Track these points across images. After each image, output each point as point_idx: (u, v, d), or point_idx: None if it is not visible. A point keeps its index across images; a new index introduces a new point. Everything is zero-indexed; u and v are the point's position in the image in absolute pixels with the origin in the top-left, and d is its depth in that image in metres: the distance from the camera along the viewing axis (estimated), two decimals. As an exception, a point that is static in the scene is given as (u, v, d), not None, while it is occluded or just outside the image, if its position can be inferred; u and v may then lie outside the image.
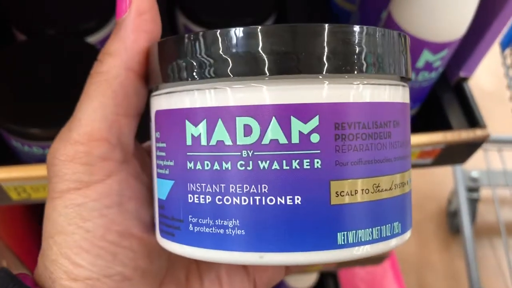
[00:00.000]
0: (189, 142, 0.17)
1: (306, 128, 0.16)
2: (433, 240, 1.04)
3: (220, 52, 0.16)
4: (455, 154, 0.39)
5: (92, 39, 0.39)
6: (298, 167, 0.16)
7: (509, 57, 0.66)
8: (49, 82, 0.35)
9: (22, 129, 0.33)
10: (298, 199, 0.16)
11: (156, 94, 0.19)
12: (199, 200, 0.17)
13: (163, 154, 0.18)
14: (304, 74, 0.16)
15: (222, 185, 0.17)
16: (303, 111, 0.16)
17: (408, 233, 0.19)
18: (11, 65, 0.36)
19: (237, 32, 0.16)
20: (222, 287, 0.22)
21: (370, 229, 0.17)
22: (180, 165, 0.18)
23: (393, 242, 0.18)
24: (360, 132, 0.17)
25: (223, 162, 0.17)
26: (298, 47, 0.16)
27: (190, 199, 0.17)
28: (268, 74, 0.16)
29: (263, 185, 0.16)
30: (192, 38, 0.17)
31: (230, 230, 0.17)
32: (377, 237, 0.17)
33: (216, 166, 0.17)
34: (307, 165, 0.16)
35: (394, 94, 0.18)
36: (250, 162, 0.16)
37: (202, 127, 0.17)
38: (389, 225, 0.18)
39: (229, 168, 0.17)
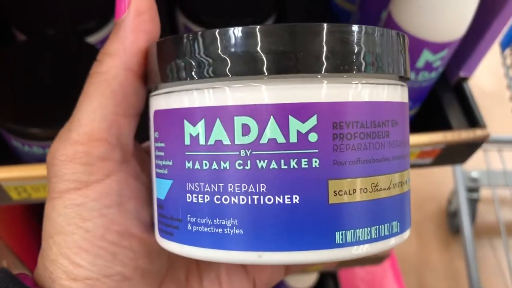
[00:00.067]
0: (187, 141, 0.17)
1: (304, 127, 0.16)
2: (433, 240, 1.04)
3: (219, 51, 0.16)
4: (455, 154, 0.39)
5: (92, 39, 0.39)
6: (296, 166, 0.16)
7: (509, 57, 0.66)
8: (49, 82, 0.35)
9: (22, 129, 0.33)
10: (296, 198, 0.16)
11: (155, 94, 0.19)
12: (197, 199, 0.17)
13: (162, 153, 0.18)
14: (302, 73, 0.16)
15: (221, 184, 0.17)
16: (301, 111, 0.16)
17: (407, 233, 0.19)
18: (11, 65, 0.36)
19: (235, 32, 0.16)
20: (222, 287, 0.22)
21: (369, 228, 0.17)
22: (178, 165, 0.18)
23: (392, 241, 0.18)
24: (358, 131, 0.17)
25: (221, 161, 0.17)
26: (296, 47, 0.16)
27: (189, 198, 0.17)
28: (266, 74, 0.16)
29: (261, 185, 0.16)
30: (190, 38, 0.17)
31: (228, 229, 0.17)
32: (375, 236, 0.17)
33: (215, 166, 0.17)
34: (305, 165, 0.16)
35: (392, 93, 0.18)
36: (248, 161, 0.16)
37: (200, 127, 0.17)
38: (388, 224, 0.18)
39: (227, 168, 0.17)
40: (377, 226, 0.17)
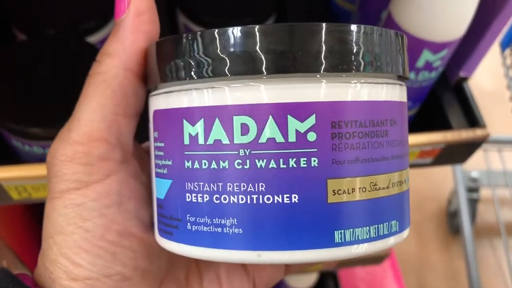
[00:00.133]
0: (186, 141, 0.17)
1: (303, 126, 0.16)
2: (433, 240, 1.04)
3: (218, 51, 0.16)
4: (455, 154, 0.39)
5: (92, 38, 0.39)
6: (295, 165, 0.16)
7: (509, 57, 0.66)
8: (49, 81, 0.35)
9: (22, 129, 0.33)
10: (295, 197, 0.16)
11: (154, 94, 0.19)
12: (197, 199, 0.17)
13: (161, 153, 0.18)
14: (301, 73, 0.16)
15: (220, 184, 0.17)
16: (300, 110, 0.16)
17: (406, 232, 0.19)
18: (11, 65, 0.36)
19: (234, 32, 0.16)
20: (222, 287, 0.22)
21: (368, 227, 0.17)
22: (178, 164, 0.18)
23: (391, 241, 0.18)
24: (357, 130, 0.17)
25: (221, 161, 0.17)
26: (295, 46, 0.16)
27: (188, 198, 0.17)
28: (265, 73, 0.16)
29: (260, 184, 0.16)
30: (189, 37, 0.17)
31: (227, 228, 0.17)
32: (374, 236, 0.17)
33: (214, 165, 0.17)
34: (304, 164, 0.16)
35: (391, 93, 0.18)
36: (247, 160, 0.16)
37: (199, 126, 0.17)
38: (387, 223, 0.18)
39: (227, 167, 0.17)
40: (376, 225, 0.17)
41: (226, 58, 0.16)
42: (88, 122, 0.19)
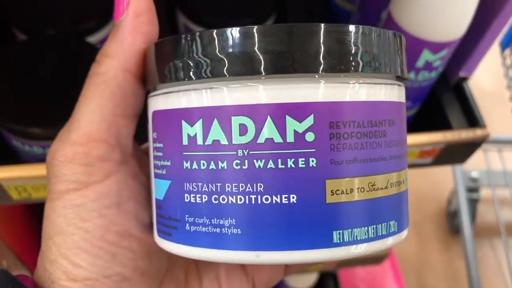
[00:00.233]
0: (185, 142, 0.17)
1: (301, 127, 0.16)
2: (433, 240, 1.04)
3: (216, 52, 0.17)
4: (455, 153, 0.39)
5: (92, 38, 0.39)
6: (293, 166, 0.16)
7: (508, 57, 0.66)
8: (49, 81, 0.35)
9: (22, 129, 0.33)
10: (293, 197, 0.16)
11: (153, 95, 0.19)
12: (195, 199, 0.17)
13: (160, 154, 0.18)
14: (299, 73, 0.16)
15: (218, 184, 0.17)
16: (298, 110, 0.16)
17: (404, 232, 0.19)
18: (11, 65, 0.36)
19: (233, 32, 0.16)
20: (221, 287, 0.22)
21: (366, 227, 0.17)
22: (176, 165, 0.18)
23: (389, 241, 0.18)
24: (355, 131, 0.17)
25: (219, 161, 0.17)
26: (293, 47, 0.16)
27: (187, 198, 0.17)
28: (263, 74, 0.16)
29: (258, 184, 0.16)
30: (188, 38, 0.17)
31: (226, 229, 0.17)
32: (373, 236, 0.17)
33: (212, 166, 0.17)
34: (302, 164, 0.16)
35: (389, 93, 0.18)
36: (246, 161, 0.16)
37: (198, 127, 0.17)
38: (385, 223, 0.18)
39: (225, 168, 0.17)
40: (375, 226, 0.17)
41: (225, 59, 0.16)
42: (88, 123, 0.19)
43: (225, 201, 0.17)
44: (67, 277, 0.18)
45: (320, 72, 0.16)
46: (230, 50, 0.16)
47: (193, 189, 0.17)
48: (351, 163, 0.17)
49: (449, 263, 1.01)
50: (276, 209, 0.16)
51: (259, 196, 0.16)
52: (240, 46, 0.16)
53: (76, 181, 0.19)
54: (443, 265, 1.00)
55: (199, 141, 0.17)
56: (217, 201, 0.17)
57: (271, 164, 0.16)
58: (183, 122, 0.17)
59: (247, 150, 0.16)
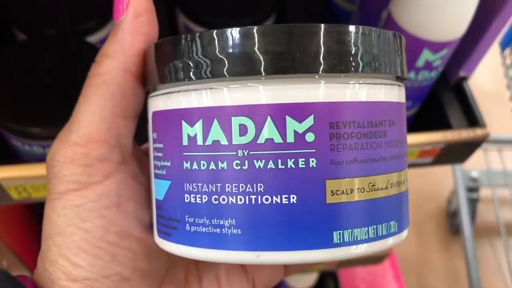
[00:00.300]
0: (185, 142, 0.17)
1: (301, 127, 0.16)
2: (433, 240, 1.04)
3: (216, 52, 0.17)
4: (455, 153, 0.39)
5: (92, 38, 0.39)
6: (293, 166, 0.16)
7: (508, 57, 0.66)
8: (49, 81, 0.35)
9: (22, 128, 0.33)
10: (293, 198, 0.16)
11: (153, 95, 0.19)
12: (195, 200, 0.17)
13: (160, 154, 0.18)
14: (299, 73, 0.16)
15: (218, 184, 0.17)
16: (298, 111, 0.16)
17: (405, 232, 0.19)
18: (11, 65, 0.36)
19: (233, 33, 0.16)
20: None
21: (366, 228, 0.17)
22: (176, 165, 0.18)
23: (390, 241, 0.18)
24: (355, 131, 0.17)
25: (219, 161, 0.17)
26: (293, 47, 0.16)
27: (187, 199, 0.17)
28: (264, 74, 0.16)
29: (258, 184, 0.16)
30: (188, 39, 0.17)
31: (226, 229, 0.17)
32: (373, 236, 0.17)
33: (212, 166, 0.17)
34: (302, 164, 0.16)
35: (389, 93, 0.18)
36: (246, 161, 0.16)
37: (198, 127, 0.17)
38: (386, 224, 0.18)
39: (225, 168, 0.17)
40: (375, 226, 0.17)
41: (225, 59, 0.16)
42: (88, 123, 0.19)
43: (225, 201, 0.17)
44: (67, 277, 0.18)
45: (320, 72, 0.16)
46: (230, 50, 0.16)
47: (193, 190, 0.17)
48: (351, 164, 0.17)
49: (449, 263, 1.01)
50: (276, 209, 0.16)
51: (259, 197, 0.16)
52: (240, 47, 0.16)
53: (76, 181, 0.19)
54: (443, 264, 1.00)
55: (199, 141, 0.17)
56: (217, 202, 0.17)
57: (271, 165, 0.16)
58: (183, 123, 0.17)
59: (247, 151, 0.16)
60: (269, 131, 0.16)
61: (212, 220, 0.17)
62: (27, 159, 0.36)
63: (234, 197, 0.17)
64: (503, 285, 0.94)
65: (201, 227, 0.17)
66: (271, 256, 0.17)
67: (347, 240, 0.17)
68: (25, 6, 0.40)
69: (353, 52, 0.17)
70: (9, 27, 0.41)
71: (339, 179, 0.16)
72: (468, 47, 0.39)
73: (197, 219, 0.17)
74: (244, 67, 0.16)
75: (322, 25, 0.16)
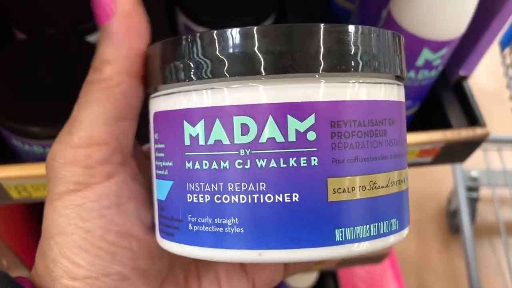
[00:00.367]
0: (187, 142, 0.17)
1: (303, 126, 0.16)
2: (433, 240, 1.04)
3: (217, 52, 0.17)
4: (455, 152, 0.40)
5: (92, 38, 0.39)
6: (295, 164, 0.16)
7: (508, 56, 0.66)
8: (49, 81, 0.35)
9: (22, 128, 0.33)
10: (296, 196, 0.16)
11: (154, 96, 0.19)
12: (198, 199, 0.17)
13: (162, 155, 0.18)
14: (299, 73, 0.16)
15: (221, 184, 0.17)
16: (299, 110, 0.16)
17: (406, 230, 0.19)
18: (11, 64, 0.36)
19: (233, 33, 0.16)
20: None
21: (368, 225, 0.17)
22: (178, 165, 0.18)
23: (391, 239, 0.18)
24: (356, 130, 0.17)
25: (221, 161, 0.17)
26: (293, 47, 0.16)
27: (189, 198, 0.17)
28: (264, 74, 0.16)
29: (261, 183, 0.16)
30: (188, 39, 0.17)
31: (229, 228, 0.17)
32: (375, 234, 0.17)
33: (215, 165, 0.17)
34: (304, 163, 0.16)
35: (389, 92, 0.18)
36: (248, 160, 0.16)
37: (200, 127, 0.17)
38: (387, 221, 0.18)
39: (227, 167, 0.17)
40: (376, 224, 0.17)
41: (226, 59, 0.17)
42: (90, 126, 0.19)
43: (228, 200, 0.17)
44: (68, 275, 0.19)
45: (320, 72, 0.16)
46: (231, 50, 0.16)
47: (196, 189, 0.17)
48: (352, 162, 0.17)
49: (449, 263, 1.01)
50: (278, 208, 0.16)
51: (261, 195, 0.16)
52: (240, 47, 0.16)
53: (77, 182, 0.19)
54: (443, 264, 1.00)
55: (201, 141, 0.17)
56: (219, 201, 0.17)
57: (273, 163, 0.16)
58: (185, 123, 0.17)
59: (249, 150, 0.16)
60: (270, 130, 0.16)
61: (215, 220, 0.17)
62: (27, 158, 0.36)
63: (237, 196, 0.17)
64: (503, 285, 0.94)
65: (203, 227, 0.17)
66: (273, 254, 0.17)
67: (349, 238, 0.17)
68: (24, 5, 0.40)
69: (353, 51, 0.17)
70: (8, 27, 0.41)
71: (340, 178, 0.17)
72: (468, 46, 0.39)
73: (199, 218, 0.17)
74: (245, 67, 0.16)
75: (322, 25, 0.16)
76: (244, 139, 0.16)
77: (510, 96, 0.65)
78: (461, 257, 0.98)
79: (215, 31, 0.17)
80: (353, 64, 0.17)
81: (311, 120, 0.16)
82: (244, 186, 0.16)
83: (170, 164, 0.18)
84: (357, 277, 0.82)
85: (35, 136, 0.34)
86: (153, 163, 0.19)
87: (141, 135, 0.22)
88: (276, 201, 0.16)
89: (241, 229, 0.17)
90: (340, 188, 0.17)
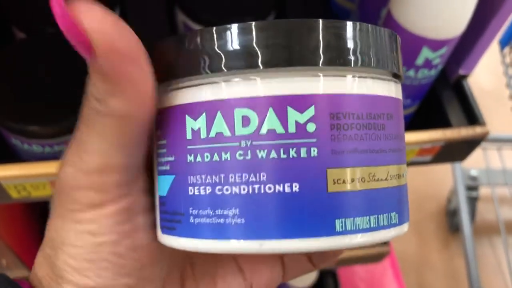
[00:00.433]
0: (189, 136, 0.17)
1: (303, 118, 0.16)
2: (433, 239, 1.04)
3: (217, 47, 0.17)
4: (455, 151, 0.40)
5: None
6: (295, 155, 0.16)
7: (508, 55, 0.66)
8: (48, 80, 0.35)
9: (21, 127, 0.33)
10: (296, 186, 0.16)
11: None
12: (199, 191, 0.17)
13: (164, 150, 0.19)
14: (299, 66, 0.17)
15: (222, 175, 0.17)
16: (299, 102, 0.16)
17: (405, 225, 0.19)
18: (10, 63, 0.36)
19: (233, 28, 0.17)
20: None
21: (368, 217, 0.17)
22: (180, 159, 0.18)
23: (391, 232, 0.18)
24: (355, 122, 0.17)
25: (223, 152, 0.17)
26: (293, 41, 0.16)
27: (191, 191, 0.18)
28: (264, 67, 0.16)
29: (261, 174, 0.17)
30: (189, 36, 0.17)
31: (230, 219, 0.17)
32: (375, 226, 0.17)
33: (216, 157, 0.17)
34: (304, 154, 0.16)
35: (387, 88, 0.18)
36: (249, 151, 0.17)
37: (201, 121, 0.17)
38: (387, 214, 0.18)
39: (228, 159, 0.17)
40: (376, 216, 0.17)
41: (226, 54, 0.17)
42: (103, 153, 0.18)
43: (229, 191, 0.17)
44: (74, 285, 0.19)
45: (320, 65, 0.17)
46: (231, 45, 0.17)
47: (197, 182, 0.17)
48: (351, 153, 0.17)
49: (448, 262, 1.01)
50: (279, 198, 0.17)
51: (262, 186, 0.17)
52: (240, 41, 0.17)
53: (90, 204, 0.18)
54: (442, 263, 1.01)
55: (203, 134, 0.17)
56: (220, 192, 0.17)
57: (273, 154, 0.16)
58: (187, 117, 0.17)
59: (250, 141, 0.17)
60: (271, 121, 0.16)
61: (216, 211, 0.17)
62: (26, 158, 0.36)
63: (238, 187, 0.17)
64: (503, 284, 0.95)
65: (205, 218, 0.17)
66: (274, 244, 0.17)
67: (349, 229, 0.17)
68: (24, 5, 0.40)
69: (352, 46, 0.17)
70: (8, 27, 0.41)
71: (340, 168, 0.17)
72: (467, 45, 0.39)
73: (201, 210, 0.17)
74: (244, 61, 0.17)
75: (322, 20, 0.17)
76: (245, 130, 0.17)
77: (509, 95, 0.65)
78: (460, 256, 0.98)
79: (215, 27, 0.17)
80: (352, 59, 0.17)
81: (311, 111, 0.16)
82: (245, 176, 0.17)
83: (172, 159, 0.18)
84: (357, 276, 0.82)
85: (34, 135, 0.34)
86: (155, 160, 0.19)
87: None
88: (277, 191, 0.16)
89: (242, 219, 0.17)
90: (339, 179, 0.17)
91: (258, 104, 0.17)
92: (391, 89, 0.19)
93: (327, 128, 0.17)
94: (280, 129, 0.16)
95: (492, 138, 0.88)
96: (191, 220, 0.18)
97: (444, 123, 0.40)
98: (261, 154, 0.17)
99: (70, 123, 0.34)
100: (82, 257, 0.18)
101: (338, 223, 0.17)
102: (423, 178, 1.07)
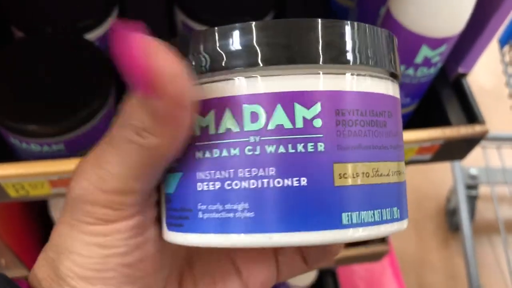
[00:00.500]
0: (197, 132, 0.18)
1: (309, 113, 0.17)
2: (432, 238, 1.04)
3: (228, 46, 0.17)
4: (454, 150, 0.40)
5: (91, 36, 0.39)
6: (303, 150, 0.17)
7: (507, 54, 0.66)
8: (47, 79, 0.35)
9: (20, 126, 0.33)
10: (304, 180, 0.17)
11: None
12: (208, 187, 0.18)
13: None
14: (305, 64, 0.17)
15: (231, 170, 0.17)
16: (306, 98, 0.17)
17: (406, 222, 0.20)
18: (9, 63, 0.36)
19: (243, 26, 0.17)
20: None
21: (372, 211, 0.18)
22: (189, 156, 0.18)
23: (394, 226, 0.18)
24: (358, 118, 0.17)
25: (231, 148, 0.17)
26: (298, 40, 0.17)
27: (199, 187, 0.18)
28: (266, 65, 0.17)
29: (270, 168, 0.17)
30: (198, 35, 0.18)
31: (239, 213, 0.17)
32: (379, 219, 0.18)
33: (225, 153, 0.17)
34: (311, 148, 0.17)
35: (385, 87, 0.19)
36: (258, 147, 0.17)
37: (210, 118, 0.18)
38: (389, 209, 0.18)
39: (237, 154, 0.17)
40: (379, 210, 0.18)
41: (236, 52, 0.17)
42: (126, 179, 0.18)
43: (238, 186, 0.17)
44: None
45: (323, 63, 0.17)
46: (241, 43, 0.17)
47: (206, 177, 0.18)
48: (356, 149, 0.17)
49: (448, 261, 1.01)
50: (287, 191, 0.17)
51: (271, 180, 0.17)
52: (250, 40, 0.17)
53: (103, 219, 0.18)
54: (442, 263, 1.01)
55: (212, 130, 0.17)
56: (230, 187, 0.17)
57: (281, 149, 0.17)
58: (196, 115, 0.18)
59: (259, 136, 0.17)
60: (279, 117, 0.17)
61: (225, 205, 0.17)
62: (25, 157, 0.36)
63: (247, 181, 0.17)
64: (502, 283, 0.95)
65: (214, 213, 0.18)
66: (283, 237, 0.17)
67: (355, 222, 0.17)
68: (24, 4, 0.40)
69: (350, 45, 0.18)
70: (7, 26, 0.41)
71: (345, 163, 0.17)
72: (467, 43, 0.39)
73: (210, 206, 0.18)
74: (253, 59, 0.17)
75: (326, 20, 0.17)
76: (253, 126, 0.17)
77: (509, 93, 0.65)
78: (460, 255, 0.98)
79: (225, 26, 0.17)
80: (350, 57, 0.18)
81: (317, 107, 0.17)
82: (254, 171, 0.17)
83: (180, 155, 0.18)
84: (357, 275, 0.82)
85: (33, 134, 0.34)
86: None
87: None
88: (285, 185, 0.17)
89: (251, 213, 0.17)
90: (345, 174, 0.17)
91: (266, 100, 0.17)
92: (389, 88, 0.19)
93: (333, 124, 0.17)
94: (288, 125, 0.17)
95: (492, 137, 0.88)
96: (200, 215, 0.18)
97: (444, 122, 0.40)
98: (270, 149, 0.17)
99: (69, 122, 0.34)
100: (88, 266, 0.18)
101: (344, 217, 0.17)
102: (423, 177, 1.07)
